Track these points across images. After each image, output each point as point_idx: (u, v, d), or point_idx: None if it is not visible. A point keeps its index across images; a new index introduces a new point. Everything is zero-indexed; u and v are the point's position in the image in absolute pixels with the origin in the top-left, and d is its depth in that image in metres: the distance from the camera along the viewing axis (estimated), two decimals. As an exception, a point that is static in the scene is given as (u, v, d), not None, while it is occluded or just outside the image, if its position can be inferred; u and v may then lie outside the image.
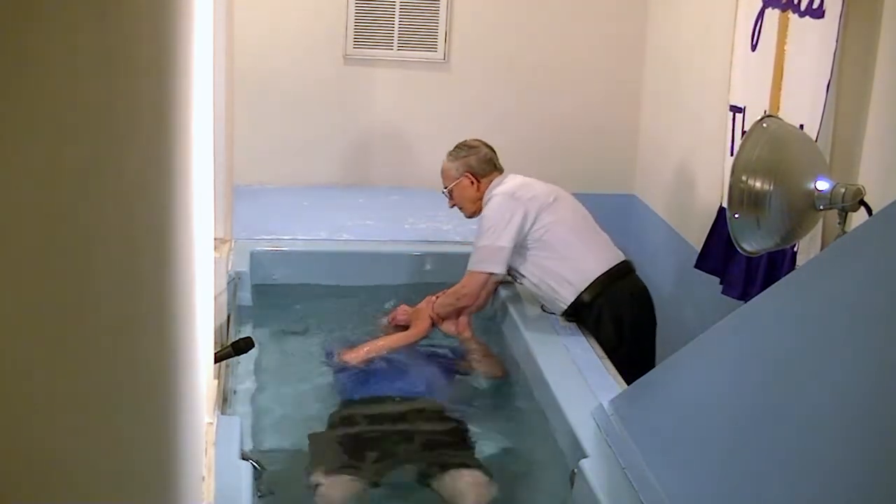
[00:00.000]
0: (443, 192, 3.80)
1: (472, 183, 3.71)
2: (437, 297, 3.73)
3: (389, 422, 3.19)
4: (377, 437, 3.12)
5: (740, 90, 3.97)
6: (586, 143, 5.44)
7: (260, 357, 3.46)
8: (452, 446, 3.10)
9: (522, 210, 3.54)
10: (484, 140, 3.86)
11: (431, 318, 3.70)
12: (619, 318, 3.56)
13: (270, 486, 2.74)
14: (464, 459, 2.99)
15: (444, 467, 2.94)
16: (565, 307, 3.59)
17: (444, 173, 3.78)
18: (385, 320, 3.84)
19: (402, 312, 3.81)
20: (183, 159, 1.46)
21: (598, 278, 3.55)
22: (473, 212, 3.75)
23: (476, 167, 3.72)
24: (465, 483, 2.89)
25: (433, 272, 4.17)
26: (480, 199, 3.70)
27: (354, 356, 3.50)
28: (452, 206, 3.80)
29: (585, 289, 3.55)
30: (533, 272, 3.61)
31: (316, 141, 5.25)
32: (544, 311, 3.70)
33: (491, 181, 3.70)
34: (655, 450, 2.51)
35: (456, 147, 3.80)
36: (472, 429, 3.15)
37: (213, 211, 2.77)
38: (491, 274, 3.61)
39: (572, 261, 3.56)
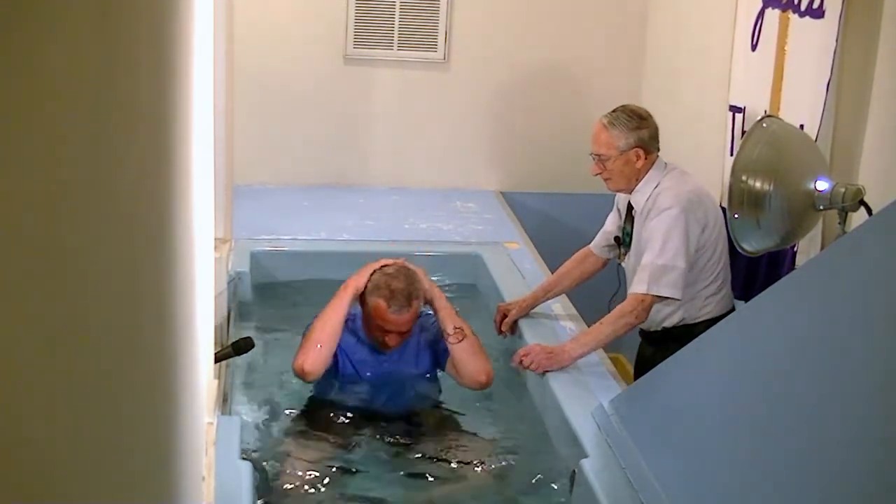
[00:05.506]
0: (592, 157, 3.33)
1: (638, 158, 3.25)
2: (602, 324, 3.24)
3: (376, 419, 3.19)
4: (353, 415, 3.16)
5: (740, 90, 3.97)
6: (587, 143, 5.41)
7: (260, 357, 3.46)
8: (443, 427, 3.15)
9: (699, 227, 3.19)
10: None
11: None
12: None
13: (270, 486, 2.74)
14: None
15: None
16: (669, 327, 3.30)
17: (603, 141, 3.29)
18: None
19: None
20: (183, 159, 1.46)
21: (710, 319, 3.21)
22: (623, 188, 3.34)
23: (647, 142, 3.26)
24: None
25: (433, 272, 4.16)
26: (638, 177, 3.28)
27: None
28: (598, 174, 3.34)
29: (700, 322, 3.24)
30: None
31: (316, 141, 5.25)
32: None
33: (653, 161, 3.28)
34: (655, 450, 2.51)
35: (622, 113, 3.30)
36: (471, 429, 3.15)
37: (213, 211, 2.77)
38: (667, 299, 3.18)
39: (712, 286, 3.28)
